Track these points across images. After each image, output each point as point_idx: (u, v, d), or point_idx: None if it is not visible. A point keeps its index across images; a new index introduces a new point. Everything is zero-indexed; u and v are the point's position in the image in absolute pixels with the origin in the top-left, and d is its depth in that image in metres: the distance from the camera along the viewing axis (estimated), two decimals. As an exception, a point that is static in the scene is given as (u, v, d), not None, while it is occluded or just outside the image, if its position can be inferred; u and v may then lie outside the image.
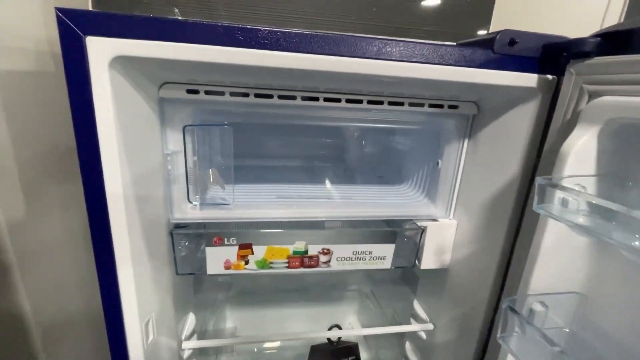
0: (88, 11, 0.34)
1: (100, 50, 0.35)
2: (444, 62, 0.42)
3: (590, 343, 0.42)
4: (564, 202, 0.38)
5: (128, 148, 0.41)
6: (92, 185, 0.39)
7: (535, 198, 0.38)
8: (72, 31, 0.34)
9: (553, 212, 0.38)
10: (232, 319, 1.01)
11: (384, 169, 0.87)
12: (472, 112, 0.57)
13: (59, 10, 0.33)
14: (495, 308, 0.55)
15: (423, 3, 0.57)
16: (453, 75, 0.43)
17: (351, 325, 1.08)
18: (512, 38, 0.42)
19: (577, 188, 0.38)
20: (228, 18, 0.61)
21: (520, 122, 0.49)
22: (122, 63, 0.37)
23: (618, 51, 0.37)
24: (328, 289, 1.10)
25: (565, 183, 0.38)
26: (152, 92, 0.46)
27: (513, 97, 0.49)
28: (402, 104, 0.54)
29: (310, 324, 1.04)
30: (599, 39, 0.38)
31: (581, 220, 0.36)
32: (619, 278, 0.40)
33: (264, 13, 0.60)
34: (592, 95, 0.39)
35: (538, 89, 0.45)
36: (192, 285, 0.73)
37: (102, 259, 0.43)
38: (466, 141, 0.59)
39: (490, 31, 0.60)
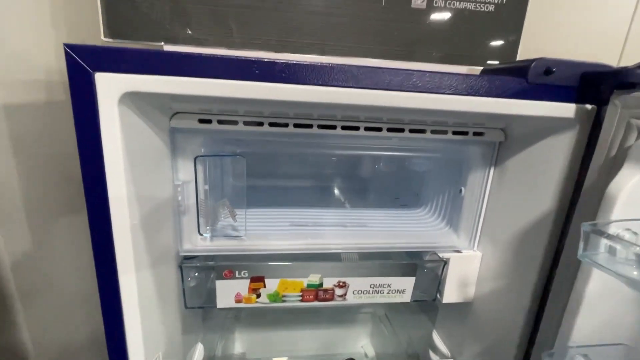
0: (97, 47, 0.33)
1: (110, 87, 0.34)
2: (473, 93, 0.39)
3: (640, 404, 0.38)
4: (612, 250, 0.34)
5: (137, 181, 0.39)
6: (99, 220, 0.37)
7: (581, 245, 0.34)
8: (81, 67, 0.32)
9: (599, 261, 0.34)
10: (242, 342, 0.98)
11: (401, 191, 0.83)
12: (498, 139, 0.53)
13: (68, 46, 0.32)
14: (526, 352, 0.51)
15: (438, 20, 0.53)
16: (483, 107, 0.40)
17: (364, 349, 1.03)
18: (548, 67, 0.39)
19: (627, 235, 0.34)
20: (240, 37, 0.59)
21: (554, 153, 0.45)
22: (131, 98, 0.36)
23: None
24: (341, 311, 1.06)
25: (613, 228, 0.34)
26: (162, 123, 0.44)
27: (546, 126, 0.46)
28: (424, 131, 0.51)
29: (322, 346, 1.00)
30: (647, 69, 0.35)
31: (635, 274, 0.32)
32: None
33: (274, 26, 0.57)
34: (642, 130, 0.35)
35: (576, 120, 0.41)
36: (201, 314, 0.70)
37: (107, 297, 0.41)
38: (492, 169, 0.56)
39: (518, 56, 0.57)
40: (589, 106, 0.41)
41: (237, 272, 0.53)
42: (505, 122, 0.52)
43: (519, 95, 0.39)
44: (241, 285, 0.54)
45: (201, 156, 0.46)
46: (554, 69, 0.39)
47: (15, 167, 0.63)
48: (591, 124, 0.41)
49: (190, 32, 0.57)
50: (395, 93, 0.38)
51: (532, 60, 0.39)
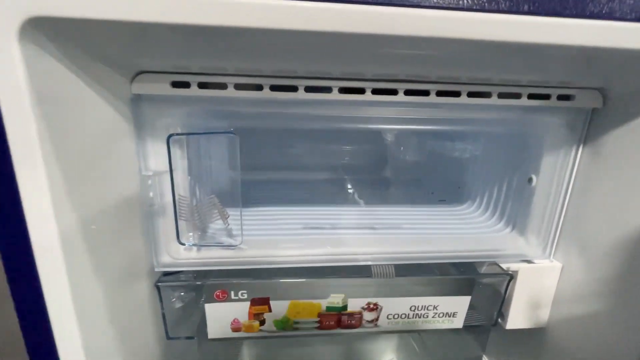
0: None
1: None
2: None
3: None
4: None
5: (72, 172, 0.26)
6: (8, 229, 0.24)
7: None
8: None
9: None
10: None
11: (437, 183, 0.68)
12: (593, 105, 0.38)
13: None
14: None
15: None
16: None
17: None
18: None
19: None
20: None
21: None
22: (48, 33, 0.22)
23: None
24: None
25: None
26: (118, 86, 0.31)
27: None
28: (488, 94, 0.37)
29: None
30: None
31: None
32: None
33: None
34: None
35: None
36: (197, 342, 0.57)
37: (33, 338, 0.28)
38: (580, 148, 0.40)
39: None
40: None
41: (233, 293, 0.40)
42: (605, 79, 0.36)
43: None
44: (239, 310, 0.41)
45: (177, 134, 0.33)
46: None
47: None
48: None
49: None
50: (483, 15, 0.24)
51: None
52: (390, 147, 0.69)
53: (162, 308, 0.40)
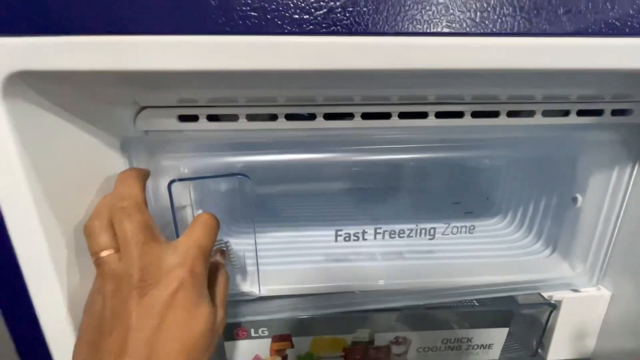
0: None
1: (-18, 65, 0.18)
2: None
3: None
4: None
5: (70, 224, 0.24)
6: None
7: None
8: None
9: None
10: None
11: (463, 192, 0.64)
12: (654, 120, 0.33)
13: None
14: None
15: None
16: None
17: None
18: None
19: None
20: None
21: None
22: (33, 84, 0.20)
23: None
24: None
25: None
26: (118, 124, 0.28)
27: None
28: (530, 113, 0.32)
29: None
30: None
31: None
32: None
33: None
34: None
35: None
36: None
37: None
38: (636, 168, 0.36)
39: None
40: None
41: (253, 330, 0.38)
42: (668, 91, 0.32)
43: None
44: (261, 347, 0.39)
45: (180, 180, 0.30)
46: None
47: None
48: None
49: None
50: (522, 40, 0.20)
51: None
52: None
53: (180, 346, 0.38)
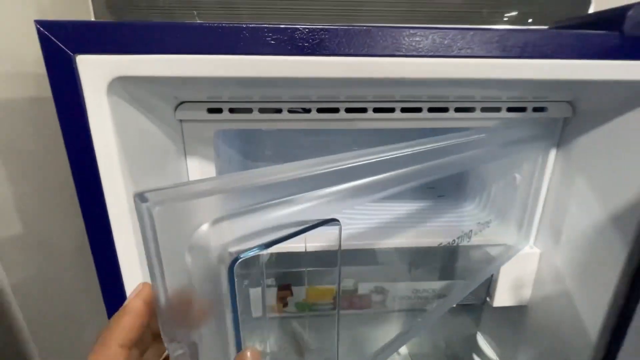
0: (76, 22, 0.26)
1: (96, 71, 0.27)
2: (556, 55, 0.30)
3: None
4: None
5: (140, 185, 0.33)
6: (99, 234, 0.32)
7: None
8: (58, 49, 0.26)
9: None
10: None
11: (438, 182, 0.75)
12: (564, 115, 0.44)
13: (40, 23, 0.26)
14: (604, 367, 0.43)
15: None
16: (570, 72, 0.31)
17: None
18: (651, 13, 0.29)
19: None
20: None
21: (645, 129, 0.36)
22: (124, 85, 0.29)
23: None
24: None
25: None
26: (167, 115, 0.38)
27: (632, 96, 0.36)
28: (472, 109, 0.43)
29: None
30: None
31: None
32: None
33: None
34: None
35: (682, 83, 0.32)
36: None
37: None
38: (554, 152, 0.47)
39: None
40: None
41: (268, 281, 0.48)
42: (573, 94, 0.43)
43: (615, 54, 0.30)
44: (269, 294, 0.49)
45: (241, 257, 0.21)
46: (659, 16, 0.29)
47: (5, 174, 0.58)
48: None
49: (195, 13, 0.50)
50: (448, 60, 0.30)
51: (627, 8, 0.30)
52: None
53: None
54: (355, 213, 0.58)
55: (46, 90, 0.27)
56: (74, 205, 0.30)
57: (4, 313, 0.62)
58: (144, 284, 0.22)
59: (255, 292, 0.47)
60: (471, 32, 0.29)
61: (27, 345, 0.65)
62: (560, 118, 0.45)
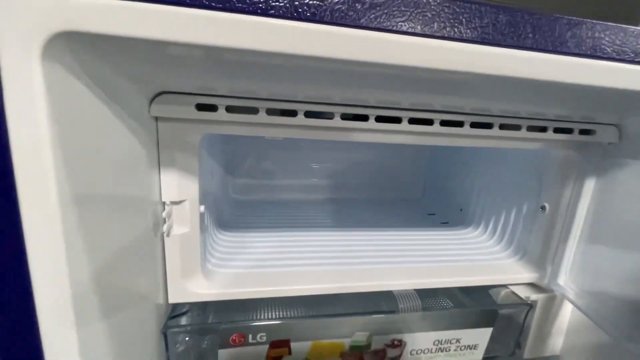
0: None
1: (23, 20, 0.16)
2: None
3: None
4: None
5: (87, 205, 0.22)
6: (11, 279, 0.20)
7: None
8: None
9: None
10: None
11: (438, 205, 0.68)
12: (610, 140, 0.39)
13: None
14: None
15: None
16: None
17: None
18: None
19: None
20: None
21: None
22: (73, 49, 0.18)
23: None
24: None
25: None
26: (136, 108, 0.27)
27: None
28: (518, 127, 0.37)
29: None
30: None
31: None
32: None
33: None
34: None
35: None
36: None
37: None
38: (595, 179, 0.41)
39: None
40: None
41: (250, 336, 0.36)
42: (620, 116, 0.38)
43: None
44: (257, 354, 0.37)
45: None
46: None
47: None
48: None
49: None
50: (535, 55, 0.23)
51: None
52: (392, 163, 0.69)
53: (168, 356, 0.35)
54: (360, 241, 0.49)
55: None
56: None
57: None
58: None
59: (225, 354, 0.35)
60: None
61: None
62: (604, 143, 0.40)
